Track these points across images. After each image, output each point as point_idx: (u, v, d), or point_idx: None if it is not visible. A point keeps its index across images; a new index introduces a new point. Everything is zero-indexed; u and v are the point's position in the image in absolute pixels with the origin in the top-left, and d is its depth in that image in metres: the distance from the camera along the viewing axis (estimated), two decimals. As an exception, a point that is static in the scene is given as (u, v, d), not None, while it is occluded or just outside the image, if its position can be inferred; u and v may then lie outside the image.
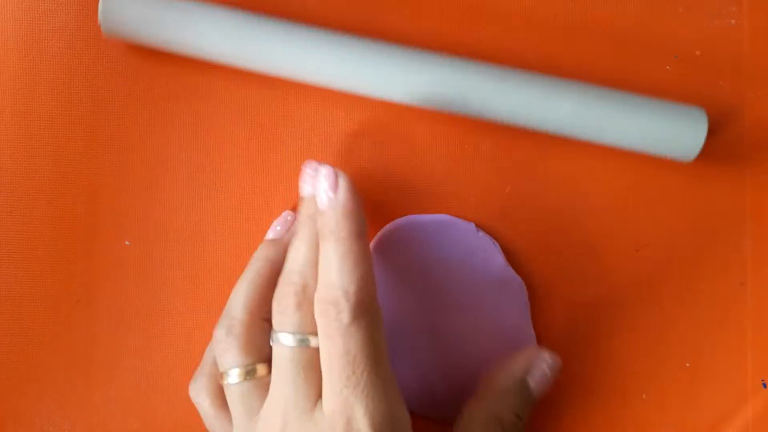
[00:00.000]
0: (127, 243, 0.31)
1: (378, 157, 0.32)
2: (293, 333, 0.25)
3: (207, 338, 0.31)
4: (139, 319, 0.31)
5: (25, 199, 0.31)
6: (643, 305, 0.32)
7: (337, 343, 0.24)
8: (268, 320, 0.27)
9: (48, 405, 0.31)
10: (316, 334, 0.25)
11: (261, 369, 0.26)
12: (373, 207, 0.31)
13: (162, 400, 0.31)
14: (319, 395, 0.25)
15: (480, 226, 0.31)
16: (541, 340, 0.31)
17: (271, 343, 0.26)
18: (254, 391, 0.26)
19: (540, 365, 0.28)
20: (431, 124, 0.32)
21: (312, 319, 0.25)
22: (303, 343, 0.25)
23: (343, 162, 0.32)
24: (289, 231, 0.29)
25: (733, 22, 0.33)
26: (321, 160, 0.31)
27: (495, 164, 0.32)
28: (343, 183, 0.26)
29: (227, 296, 0.31)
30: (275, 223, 0.30)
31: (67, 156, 0.31)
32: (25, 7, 0.31)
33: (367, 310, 0.24)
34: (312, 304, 0.25)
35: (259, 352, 0.26)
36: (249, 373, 0.26)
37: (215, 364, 0.27)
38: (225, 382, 0.26)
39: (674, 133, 0.29)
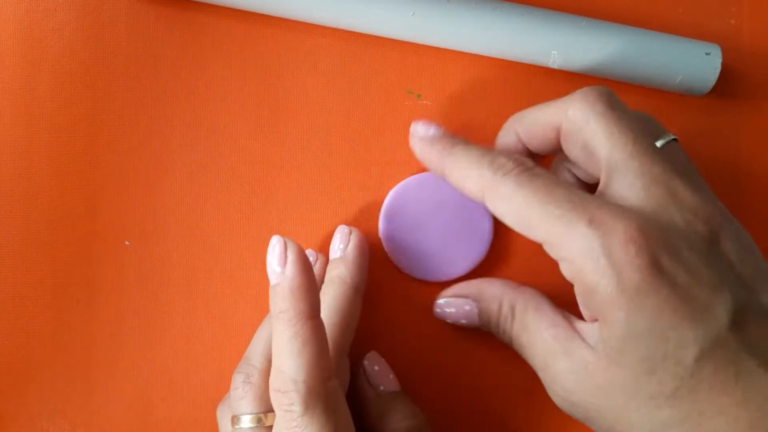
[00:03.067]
0: (127, 243, 0.31)
1: (379, 157, 0.32)
2: (247, 414, 0.27)
3: (207, 338, 0.31)
4: (139, 319, 0.31)
5: (25, 199, 0.31)
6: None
7: None
8: None
9: (48, 405, 0.31)
10: (269, 411, 0.26)
11: (270, 418, 0.27)
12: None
13: (162, 400, 0.31)
14: None
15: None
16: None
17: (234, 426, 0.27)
18: None
19: (372, 372, 0.30)
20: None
21: (262, 398, 0.27)
22: (258, 422, 0.26)
23: (342, 162, 0.32)
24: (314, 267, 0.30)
25: None
26: (322, 162, 0.32)
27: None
28: (291, 256, 0.24)
29: (227, 296, 0.31)
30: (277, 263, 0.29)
31: (67, 156, 0.31)
32: (25, 7, 0.31)
33: (319, 396, 0.23)
34: (261, 385, 0.27)
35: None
36: (259, 420, 0.27)
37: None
38: (237, 425, 0.27)
39: (692, 65, 0.30)
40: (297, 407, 0.23)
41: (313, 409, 0.23)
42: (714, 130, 0.33)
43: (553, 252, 0.24)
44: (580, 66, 0.31)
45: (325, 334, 0.24)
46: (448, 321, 0.30)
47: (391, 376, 0.30)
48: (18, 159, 0.31)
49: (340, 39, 0.32)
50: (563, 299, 0.31)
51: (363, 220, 0.31)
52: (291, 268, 0.24)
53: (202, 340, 0.31)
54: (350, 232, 0.30)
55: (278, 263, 0.24)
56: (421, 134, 0.27)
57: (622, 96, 0.32)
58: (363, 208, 0.32)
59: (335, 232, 0.30)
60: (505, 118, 0.32)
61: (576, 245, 0.23)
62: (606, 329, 0.23)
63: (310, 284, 0.24)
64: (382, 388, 0.29)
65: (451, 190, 0.29)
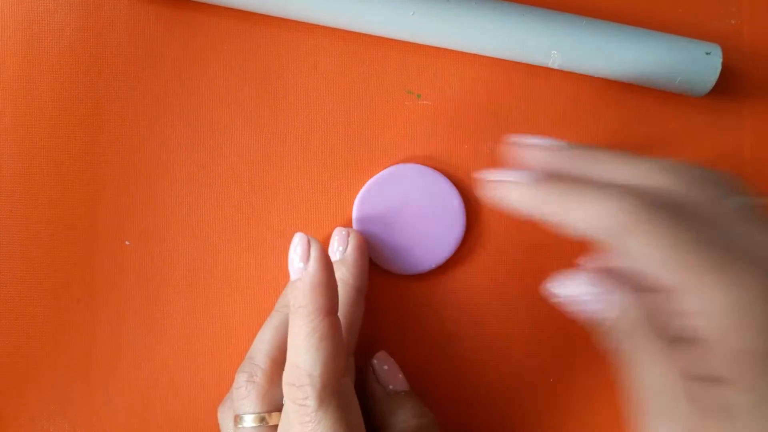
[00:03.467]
0: (127, 243, 0.31)
1: (379, 157, 0.32)
2: (250, 413, 0.27)
3: (207, 338, 0.31)
4: (139, 319, 0.31)
5: (25, 199, 0.31)
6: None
7: (306, 428, 0.23)
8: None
9: (48, 405, 0.31)
10: (273, 411, 0.27)
11: (275, 417, 0.27)
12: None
13: (162, 400, 0.31)
14: None
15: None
16: (542, 335, 0.31)
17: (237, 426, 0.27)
18: None
19: (381, 371, 0.30)
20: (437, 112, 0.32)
21: (266, 398, 0.27)
22: (261, 422, 0.26)
23: (342, 162, 0.32)
24: None
25: None
26: (322, 162, 0.32)
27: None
28: (315, 253, 0.24)
29: (227, 296, 0.31)
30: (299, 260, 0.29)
31: (67, 156, 0.31)
32: (25, 7, 0.31)
33: (333, 392, 0.23)
34: (264, 384, 0.27)
35: (277, 401, 0.27)
36: (262, 420, 0.27)
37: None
38: (239, 425, 0.27)
39: (692, 65, 0.30)
40: (311, 402, 0.23)
41: (327, 404, 0.23)
42: (714, 130, 0.33)
43: (684, 301, 0.21)
44: (580, 66, 0.31)
45: (341, 331, 0.24)
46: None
47: (400, 375, 0.30)
48: (18, 159, 0.31)
49: (340, 39, 0.32)
50: (553, 309, 0.31)
51: (363, 220, 0.31)
52: (313, 264, 0.24)
53: (202, 340, 0.31)
54: (348, 234, 0.30)
55: (301, 259, 0.24)
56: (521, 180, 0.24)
57: (622, 96, 0.32)
58: (363, 208, 0.32)
59: (333, 235, 0.30)
60: (505, 118, 0.32)
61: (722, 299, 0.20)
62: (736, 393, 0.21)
63: (331, 281, 0.24)
64: (391, 387, 0.29)
65: (421, 182, 0.30)
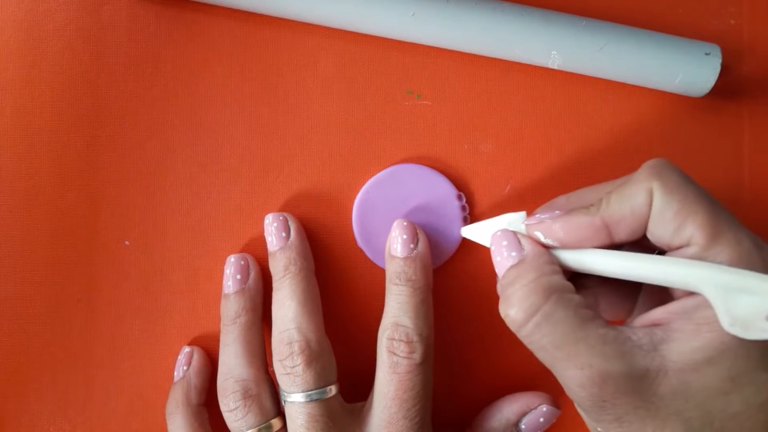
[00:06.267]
0: (127, 243, 0.31)
1: (379, 157, 0.32)
2: (308, 392, 0.27)
3: (207, 338, 0.31)
4: (139, 319, 0.31)
5: (25, 198, 0.31)
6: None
7: (403, 379, 0.27)
8: (268, 372, 0.29)
9: (48, 405, 0.31)
10: (329, 385, 0.27)
11: (276, 423, 0.28)
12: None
13: (162, 400, 0.31)
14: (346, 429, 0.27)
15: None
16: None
17: (283, 404, 0.28)
18: None
19: (536, 414, 0.30)
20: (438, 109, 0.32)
21: (322, 372, 0.27)
22: (320, 396, 0.27)
23: (342, 162, 0.32)
24: (250, 278, 0.30)
25: None
26: (322, 162, 0.32)
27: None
28: (422, 238, 0.29)
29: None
30: (232, 273, 0.30)
31: (67, 156, 0.31)
32: (25, 8, 0.31)
33: (432, 355, 0.27)
34: (317, 358, 0.27)
35: (272, 407, 0.28)
36: (269, 428, 0.28)
37: (190, 391, 0.29)
38: None
39: (692, 65, 0.30)
40: (419, 355, 0.27)
41: (427, 362, 0.27)
42: (714, 130, 0.33)
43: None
44: (580, 66, 0.31)
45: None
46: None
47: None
48: (18, 159, 0.31)
49: (340, 39, 0.32)
50: None
51: (363, 220, 0.31)
52: (422, 245, 0.29)
53: (202, 340, 0.31)
54: (287, 219, 0.30)
55: (411, 241, 0.29)
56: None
57: (623, 96, 0.32)
58: (363, 208, 0.32)
59: (269, 223, 0.30)
60: (505, 118, 0.32)
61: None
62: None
63: (430, 262, 0.29)
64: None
65: (421, 182, 0.30)
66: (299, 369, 0.27)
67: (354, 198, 0.31)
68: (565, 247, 0.25)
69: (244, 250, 0.31)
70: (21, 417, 0.31)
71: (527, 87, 0.32)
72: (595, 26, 0.30)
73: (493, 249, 0.26)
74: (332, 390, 0.27)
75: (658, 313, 0.24)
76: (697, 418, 0.22)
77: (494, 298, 0.32)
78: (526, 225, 0.26)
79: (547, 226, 0.25)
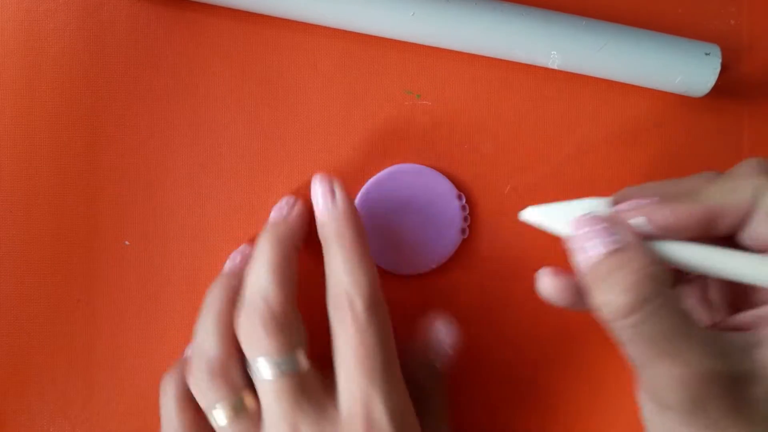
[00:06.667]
0: (127, 243, 0.31)
1: (379, 157, 0.32)
2: (273, 361, 0.25)
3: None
4: (139, 319, 0.31)
5: (25, 199, 0.31)
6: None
7: (354, 336, 0.25)
8: (240, 349, 0.27)
9: (48, 405, 0.31)
10: (297, 354, 0.26)
11: (248, 399, 0.26)
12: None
13: (162, 400, 0.31)
14: (321, 405, 0.25)
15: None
16: (541, 337, 0.31)
17: (252, 377, 0.26)
18: (248, 429, 0.26)
19: (442, 346, 0.29)
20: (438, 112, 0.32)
21: (290, 340, 0.26)
22: (287, 368, 0.25)
23: (342, 162, 0.32)
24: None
25: None
26: (322, 162, 0.32)
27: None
28: (339, 192, 0.28)
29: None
30: (233, 255, 0.30)
31: (67, 156, 0.31)
32: (25, 7, 0.31)
33: (379, 306, 0.26)
34: (283, 326, 0.26)
35: (242, 383, 0.26)
36: (238, 410, 0.26)
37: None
38: (214, 422, 0.26)
39: (692, 65, 0.30)
40: (361, 310, 0.25)
41: (374, 315, 0.25)
42: (714, 131, 0.33)
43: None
44: (580, 66, 0.31)
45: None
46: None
47: (451, 362, 0.30)
48: (18, 159, 0.31)
49: (340, 39, 0.32)
50: (554, 309, 0.31)
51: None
52: (342, 201, 0.28)
53: (202, 340, 0.31)
54: (332, 183, 0.29)
55: (329, 196, 0.28)
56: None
57: (622, 96, 0.32)
58: (363, 208, 0.32)
59: (281, 203, 0.30)
60: (505, 118, 0.32)
61: None
62: None
63: (358, 215, 0.28)
64: (437, 365, 0.29)
65: (420, 182, 0.30)
66: (260, 333, 0.26)
67: (353, 198, 0.31)
68: (666, 236, 0.24)
69: (244, 250, 0.31)
70: (21, 417, 0.31)
71: (527, 87, 0.32)
72: (595, 26, 0.30)
73: (580, 233, 0.24)
74: (302, 362, 0.26)
75: (748, 316, 0.23)
76: None
77: (493, 299, 0.32)
78: (622, 211, 0.25)
79: (650, 211, 0.24)
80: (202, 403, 0.26)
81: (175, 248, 0.31)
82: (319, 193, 0.28)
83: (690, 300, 0.27)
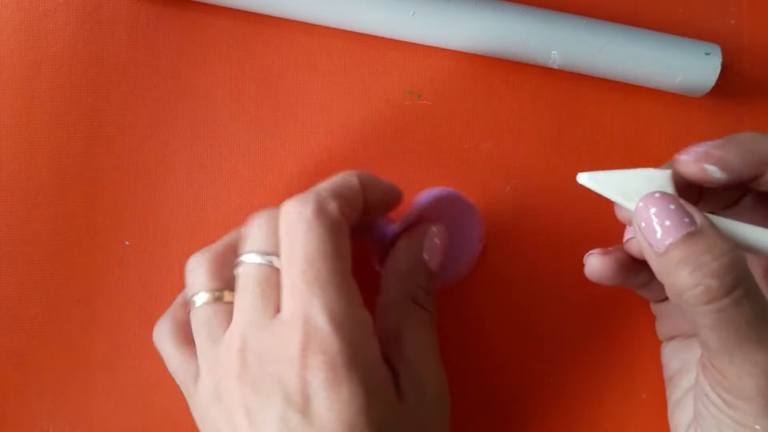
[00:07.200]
0: (127, 243, 0.31)
1: (378, 157, 0.32)
2: (257, 251, 0.24)
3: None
4: (139, 319, 0.31)
5: (25, 199, 0.31)
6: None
7: (296, 239, 0.23)
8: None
9: (48, 405, 0.31)
10: (226, 289, 0.25)
11: (228, 295, 0.25)
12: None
13: (162, 400, 0.31)
14: (279, 309, 0.24)
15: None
16: (541, 331, 0.31)
17: (235, 271, 0.25)
18: (218, 316, 0.25)
19: (430, 238, 0.28)
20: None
21: (218, 275, 0.25)
22: (266, 260, 0.24)
23: (342, 163, 0.32)
24: None
25: None
26: (322, 162, 0.32)
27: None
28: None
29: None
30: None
31: (67, 156, 0.31)
32: (25, 7, 0.31)
33: (332, 214, 0.24)
34: (217, 259, 0.25)
35: (231, 282, 0.25)
36: (216, 299, 0.25)
37: (181, 309, 0.27)
38: (191, 308, 0.26)
39: (692, 65, 0.30)
40: (309, 210, 0.24)
41: (322, 218, 0.24)
42: (714, 130, 0.33)
43: None
44: (580, 66, 0.31)
45: (360, 196, 0.26)
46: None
47: (440, 258, 0.28)
48: (18, 159, 0.31)
49: (340, 39, 0.32)
50: (554, 310, 0.31)
51: (363, 220, 0.31)
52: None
53: (202, 340, 0.31)
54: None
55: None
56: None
57: (622, 96, 0.32)
58: (363, 208, 0.32)
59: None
60: (505, 118, 0.32)
61: None
62: None
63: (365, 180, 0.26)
64: (426, 256, 0.28)
65: (450, 209, 0.29)
66: (256, 226, 0.25)
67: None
68: (742, 177, 0.24)
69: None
70: (21, 417, 0.31)
71: (527, 87, 0.32)
72: (595, 26, 0.30)
73: (650, 212, 0.23)
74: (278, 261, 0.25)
75: None
76: None
77: (515, 311, 0.32)
78: (686, 161, 0.24)
79: (719, 155, 0.24)
80: (189, 283, 0.26)
81: (175, 248, 0.31)
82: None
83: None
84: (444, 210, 0.29)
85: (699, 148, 0.24)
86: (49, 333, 0.31)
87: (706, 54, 0.30)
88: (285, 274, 0.24)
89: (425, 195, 0.29)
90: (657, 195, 0.23)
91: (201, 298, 0.25)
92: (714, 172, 0.24)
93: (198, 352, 0.25)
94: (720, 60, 0.30)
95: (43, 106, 0.31)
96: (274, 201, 0.31)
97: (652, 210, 0.23)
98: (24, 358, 0.31)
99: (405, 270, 0.27)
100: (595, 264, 0.26)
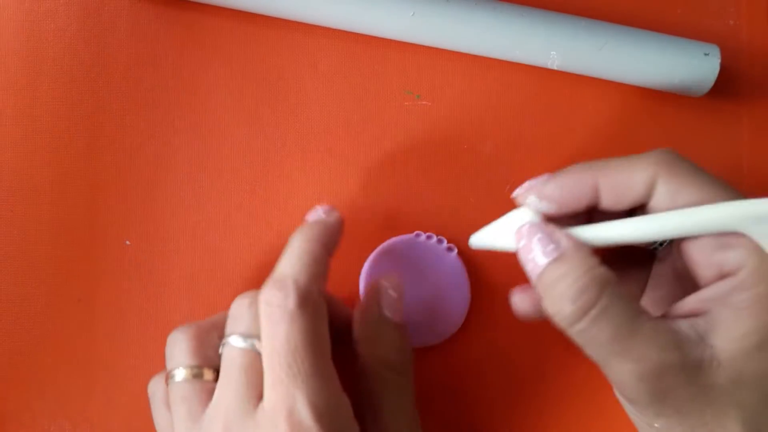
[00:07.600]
0: (127, 243, 0.31)
1: (379, 157, 0.32)
2: (241, 334, 0.25)
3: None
4: (139, 319, 0.31)
5: (26, 198, 0.31)
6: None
7: (279, 331, 0.23)
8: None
9: (49, 405, 0.31)
10: (206, 366, 0.25)
11: (208, 374, 0.25)
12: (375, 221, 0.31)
13: (162, 400, 0.31)
14: (262, 397, 0.24)
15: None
16: (542, 333, 0.31)
17: (220, 351, 0.25)
18: (198, 395, 0.25)
19: (385, 293, 0.28)
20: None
21: (199, 351, 0.25)
22: (249, 343, 0.24)
23: (342, 163, 0.32)
24: None
25: None
26: (322, 162, 0.32)
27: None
28: (335, 213, 0.28)
29: (227, 297, 0.31)
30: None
31: (67, 156, 0.31)
32: (26, 8, 0.31)
33: (313, 301, 0.24)
34: (199, 336, 0.25)
35: (211, 360, 0.26)
36: (195, 376, 0.25)
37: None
38: (170, 381, 0.25)
39: (691, 66, 0.30)
40: (291, 302, 0.23)
41: (304, 308, 0.24)
42: (713, 131, 0.33)
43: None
44: (580, 66, 0.31)
45: (327, 263, 0.26)
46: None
47: (400, 306, 0.28)
48: (19, 159, 0.31)
49: (340, 39, 0.32)
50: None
51: (363, 221, 0.31)
52: (325, 212, 0.28)
53: (202, 340, 0.31)
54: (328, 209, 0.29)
55: (324, 211, 0.28)
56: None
57: (622, 96, 0.32)
58: (363, 209, 0.32)
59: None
60: (505, 118, 0.32)
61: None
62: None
63: (333, 225, 0.27)
64: (387, 313, 0.28)
65: (429, 255, 0.30)
66: (243, 309, 0.25)
67: (353, 198, 0.31)
68: (561, 209, 0.25)
69: (244, 249, 0.31)
70: (22, 416, 0.31)
71: (527, 87, 0.32)
72: (595, 26, 0.31)
73: (523, 245, 0.25)
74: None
75: (692, 302, 0.23)
76: (756, 403, 0.22)
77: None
78: (517, 195, 0.25)
79: (539, 188, 0.25)
80: (169, 356, 0.26)
81: (175, 248, 0.31)
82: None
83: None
84: (402, 257, 0.30)
85: (526, 183, 0.25)
86: (49, 333, 0.31)
87: (705, 54, 0.30)
88: (267, 364, 0.23)
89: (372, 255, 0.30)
90: (526, 228, 0.25)
91: (180, 373, 0.25)
92: (536, 204, 0.25)
93: (176, 426, 0.25)
94: (719, 60, 0.30)
95: (44, 106, 0.31)
96: (275, 201, 0.31)
97: (523, 243, 0.25)
98: (24, 358, 0.31)
99: (371, 334, 0.27)
100: (516, 302, 0.26)
